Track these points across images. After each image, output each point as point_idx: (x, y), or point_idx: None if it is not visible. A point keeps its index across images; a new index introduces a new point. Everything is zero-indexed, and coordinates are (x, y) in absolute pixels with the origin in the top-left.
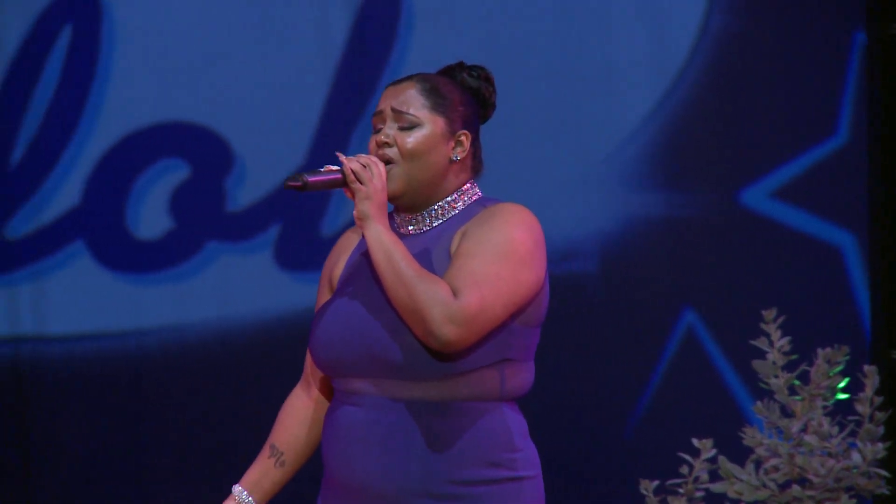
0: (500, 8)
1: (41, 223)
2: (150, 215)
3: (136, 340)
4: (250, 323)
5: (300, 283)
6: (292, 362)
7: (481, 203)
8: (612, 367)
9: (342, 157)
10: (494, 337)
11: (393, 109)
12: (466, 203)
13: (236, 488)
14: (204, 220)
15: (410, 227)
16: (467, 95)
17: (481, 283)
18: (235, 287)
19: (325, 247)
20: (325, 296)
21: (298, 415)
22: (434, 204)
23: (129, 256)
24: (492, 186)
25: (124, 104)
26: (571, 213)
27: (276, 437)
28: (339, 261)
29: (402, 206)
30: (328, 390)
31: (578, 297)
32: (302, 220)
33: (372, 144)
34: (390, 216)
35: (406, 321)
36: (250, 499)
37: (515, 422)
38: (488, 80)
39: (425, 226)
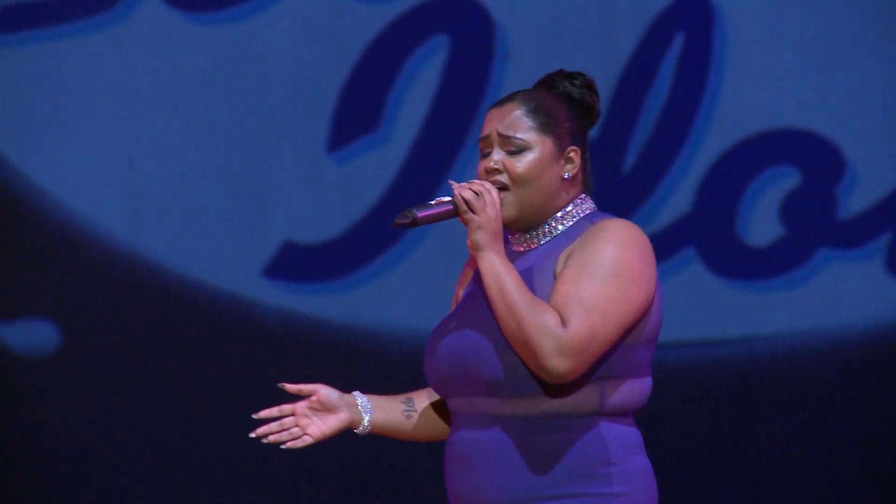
0: None
1: (653, 229)
2: (761, 222)
3: (745, 348)
4: (860, 332)
5: None
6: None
7: (590, 219)
8: None
9: (454, 186)
10: None
11: (499, 134)
12: (577, 218)
13: (360, 395)
14: (814, 228)
15: (521, 246)
16: (572, 108)
17: (590, 309)
18: (845, 295)
19: None
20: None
21: (441, 403)
22: (545, 222)
23: (739, 263)
24: None
25: (735, 110)
26: None
27: (417, 396)
28: (465, 279)
29: (516, 229)
30: None
31: None
32: None
33: (480, 170)
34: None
35: (519, 355)
36: (369, 406)
37: (617, 436)
38: (590, 87)
39: (535, 243)
